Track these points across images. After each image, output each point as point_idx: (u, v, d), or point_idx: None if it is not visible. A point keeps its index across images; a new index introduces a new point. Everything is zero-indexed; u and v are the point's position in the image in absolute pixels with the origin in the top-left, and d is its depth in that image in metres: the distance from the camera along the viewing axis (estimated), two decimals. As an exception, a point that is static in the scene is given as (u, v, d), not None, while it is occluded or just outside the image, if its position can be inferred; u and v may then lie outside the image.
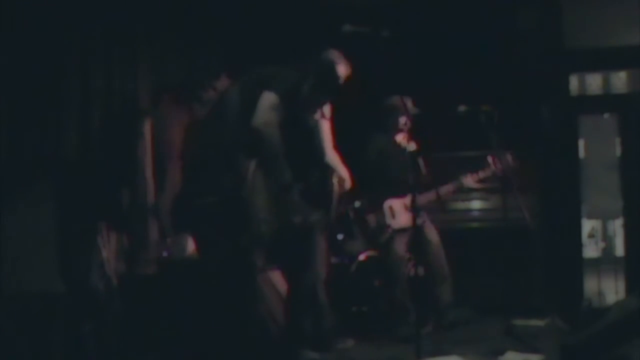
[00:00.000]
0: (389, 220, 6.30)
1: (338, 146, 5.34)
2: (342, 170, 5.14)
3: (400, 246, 6.28)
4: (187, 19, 6.45)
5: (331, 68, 4.74)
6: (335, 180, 4.83)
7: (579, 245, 8.23)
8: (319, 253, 5.03)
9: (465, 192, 6.84)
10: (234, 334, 4.22)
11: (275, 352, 5.01)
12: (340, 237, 6.85)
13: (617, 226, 9.93)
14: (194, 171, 4.26)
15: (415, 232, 5.97)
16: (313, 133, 4.76)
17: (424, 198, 6.38)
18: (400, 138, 6.28)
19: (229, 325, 4.26)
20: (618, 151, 8.34)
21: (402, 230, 6.31)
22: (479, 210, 6.99)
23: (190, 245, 5.51)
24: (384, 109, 6.34)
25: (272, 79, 4.07)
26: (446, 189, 6.40)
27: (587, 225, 9.61)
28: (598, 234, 10.36)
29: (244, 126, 3.99)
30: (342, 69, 4.95)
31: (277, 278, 6.11)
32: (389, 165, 6.26)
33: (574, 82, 8.58)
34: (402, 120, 6.22)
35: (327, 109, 4.91)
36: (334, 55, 4.88)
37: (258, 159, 3.99)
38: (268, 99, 3.93)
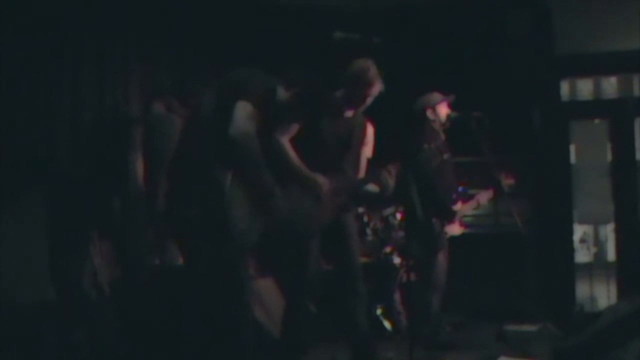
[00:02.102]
0: (446, 227, 6.23)
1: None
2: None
3: (441, 255, 6.21)
4: (178, 26, 6.45)
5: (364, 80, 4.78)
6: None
7: (570, 251, 8.25)
8: (312, 259, 5.04)
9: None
10: (225, 342, 4.21)
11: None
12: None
13: (608, 231, 9.96)
14: (174, 182, 4.22)
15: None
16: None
17: (468, 205, 6.38)
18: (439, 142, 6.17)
19: (220, 334, 4.25)
20: (609, 156, 8.36)
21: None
22: (471, 216, 6.99)
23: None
24: (419, 110, 6.24)
25: (245, 86, 4.02)
26: (486, 195, 6.37)
27: (579, 231, 9.62)
28: (590, 239, 10.38)
29: (218, 135, 3.96)
30: (375, 84, 5.01)
31: (270, 286, 6.11)
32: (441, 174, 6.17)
33: (564, 87, 8.62)
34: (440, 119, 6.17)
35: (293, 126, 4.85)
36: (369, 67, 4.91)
37: (235, 169, 3.97)
38: (244, 108, 3.88)
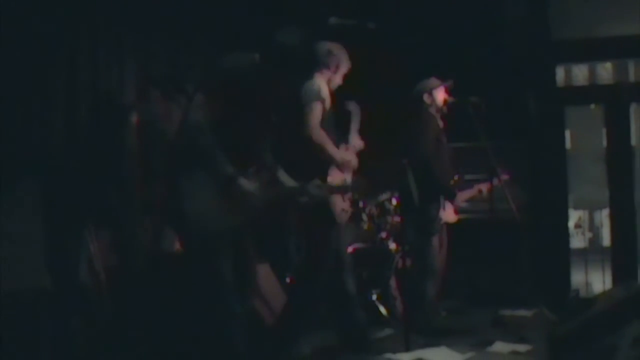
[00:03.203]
0: (441, 212, 6.24)
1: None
2: None
3: (435, 241, 6.22)
4: (174, 13, 6.43)
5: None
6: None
7: (565, 236, 8.26)
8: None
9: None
10: (221, 328, 4.24)
11: (262, 346, 5.02)
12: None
13: (603, 216, 9.98)
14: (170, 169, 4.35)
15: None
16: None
17: (465, 195, 6.39)
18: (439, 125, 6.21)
19: (217, 320, 4.28)
20: (604, 142, 8.36)
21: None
22: (466, 201, 7.00)
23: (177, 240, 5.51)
24: (416, 95, 6.25)
25: (202, 78, 4.21)
26: (485, 185, 6.38)
27: (574, 216, 9.65)
28: (585, 224, 10.41)
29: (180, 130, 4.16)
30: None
31: (266, 272, 6.12)
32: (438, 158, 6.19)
33: (560, 73, 8.61)
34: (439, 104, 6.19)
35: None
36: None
37: (194, 160, 4.08)
38: (196, 100, 4.08)
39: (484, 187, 6.36)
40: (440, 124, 6.16)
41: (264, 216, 4.36)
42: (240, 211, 4.17)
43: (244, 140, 4.20)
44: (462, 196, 6.44)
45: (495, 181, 6.13)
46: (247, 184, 4.12)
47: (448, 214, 6.22)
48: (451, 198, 6.20)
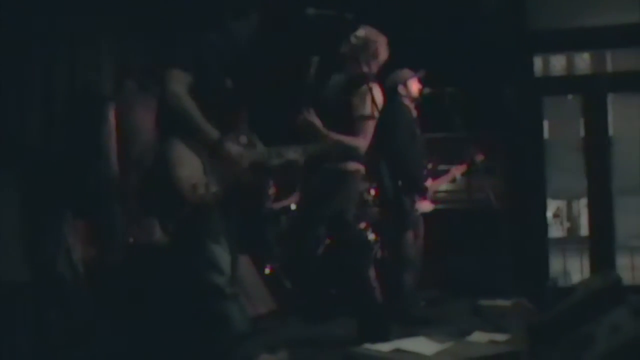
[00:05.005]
0: (417, 204, 6.23)
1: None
2: None
3: (410, 232, 6.22)
4: (150, 4, 6.40)
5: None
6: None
7: (544, 226, 8.30)
8: None
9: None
10: (201, 320, 4.22)
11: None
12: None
13: (581, 206, 10.05)
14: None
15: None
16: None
17: (440, 181, 6.39)
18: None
19: (196, 311, 4.25)
20: (582, 132, 8.41)
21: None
22: (445, 191, 7.02)
23: (157, 230, 5.49)
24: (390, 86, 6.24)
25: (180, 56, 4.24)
26: (460, 169, 6.38)
27: (552, 206, 9.69)
28: (563, 214, 10.48)
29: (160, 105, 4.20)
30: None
31: (246, 264, 6.11)
32: (413, 144, 6.19)
33: (538, 63, 8.64)
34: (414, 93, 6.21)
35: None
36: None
37: (176, 129, 4.11)
38: (174, 75, 4.11)
39: (459, 171, 6.37)
40: (414, 114, 6.18)
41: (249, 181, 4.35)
42: (230, 174, 4.17)
43: (220, 109, 4.21)
44: (437, 184, 6.45)
45: (471, 163, 6.16)
46: (234, 147, 4.14)
47: (423, 205, 6.22)
48: (421, 193, 6.19)
